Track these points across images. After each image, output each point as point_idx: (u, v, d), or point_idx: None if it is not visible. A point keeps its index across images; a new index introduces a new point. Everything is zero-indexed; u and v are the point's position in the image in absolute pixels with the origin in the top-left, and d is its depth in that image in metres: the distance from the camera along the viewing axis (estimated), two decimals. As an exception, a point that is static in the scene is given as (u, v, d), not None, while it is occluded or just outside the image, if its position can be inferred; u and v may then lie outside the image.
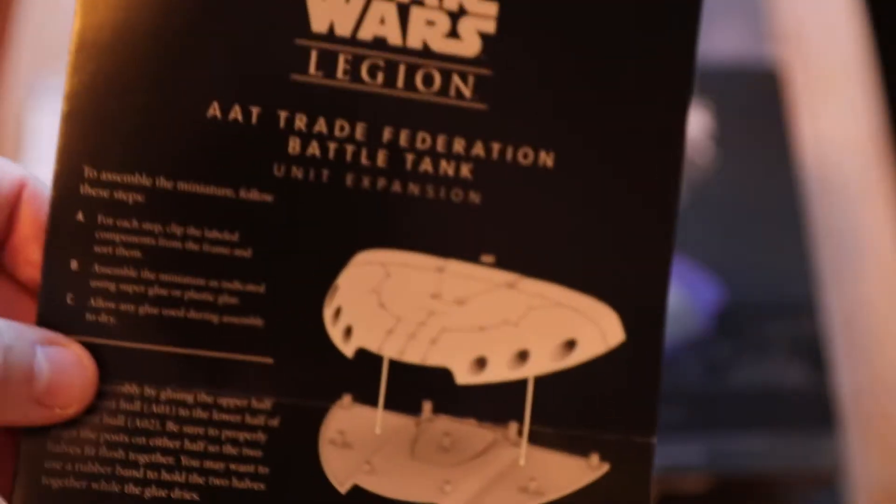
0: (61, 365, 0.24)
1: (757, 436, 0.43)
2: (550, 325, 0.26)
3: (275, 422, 0.26)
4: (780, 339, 0.45)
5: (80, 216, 0.25)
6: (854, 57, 0.58)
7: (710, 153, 0.49)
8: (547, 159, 0.26)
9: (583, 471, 0.26)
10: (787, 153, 0.49)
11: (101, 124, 0.25)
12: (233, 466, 0.26)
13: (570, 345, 0.26)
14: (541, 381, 0.26)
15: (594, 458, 0.26)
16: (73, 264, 0.25)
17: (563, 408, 0.26)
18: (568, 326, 0.26)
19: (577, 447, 0.26)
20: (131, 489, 0.25)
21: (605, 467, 0.26)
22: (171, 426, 0.25)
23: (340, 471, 0.26)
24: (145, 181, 0.25)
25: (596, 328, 0.27)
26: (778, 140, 0.49)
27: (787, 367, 0.44)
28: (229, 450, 0.26)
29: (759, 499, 0.46)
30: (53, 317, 0.25)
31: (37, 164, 0.56)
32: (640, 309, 0.27)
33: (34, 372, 0.23)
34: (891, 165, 0.56)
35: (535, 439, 0.26)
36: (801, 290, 0.46)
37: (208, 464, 0.25)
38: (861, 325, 0.51)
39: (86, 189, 0.25)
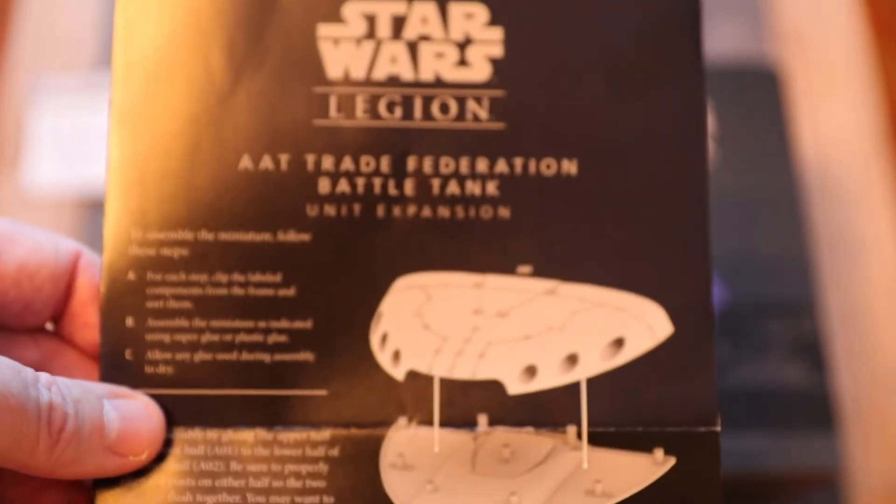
0: (130, 414, 0.28)
1: (757, 436, 0.46)
2: (596, 327, 0.30)
3: (335, 451, 0.29)
4: (780, 339, 0.47)
5: (130, 275, 0.30)
6: (854, 57, 0.61)
7: (710, 153, 0.52)
8: (570, 167, 0.30)
9: (649, 467, 0.29)
10: (787, 153, 0.52)
11: (144, 189, 0.30)
12: (298, 499, 0.29)
13: (619, 343, 0.30)
14: (593, 382, 0.30)
15: (659, 454, 0.29)
16: (129, 321, 0.30)
17: (620, 406, 0.29)
18: (614, 325, 0.30)
19: (640, 444, 0.29)
20: None
21: (672, 461, 0.29)
22: (235, 466, 0.29)
23: (404, 493, 0.29)
24: (188, 236, 0.30)
25: (642, 324, 0.30)
26: (778, 140, 0.52)
27: (787, 367, 0.47)
28: (293, 483, 0.29)
29: (759, 499, 0.48)
30: (115, 373, 0.30)
31: (36, 164, 0.60)
32: (685, 299, 0.30)
33: (104, 422, 0.28)
34: (891, 165, 0.59)
35: (595, 441, 0.29)
36: (801, 290, 0.49)
37: (274, 499, 0.29)
38: (861, 325, 0.54)
39: (134, 249, 0.30)
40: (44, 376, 0.26)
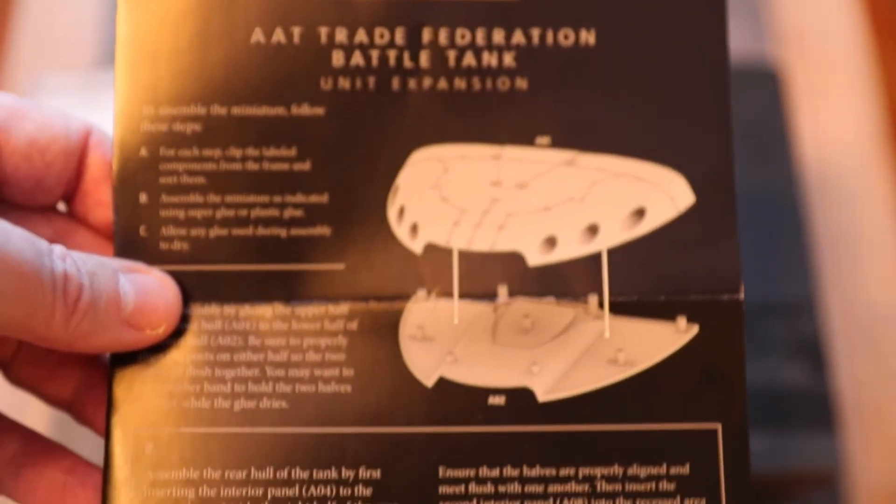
0: (145, 288, 0.28)
1: (757, 436, 0.46)
2: (616, 196, 0.30)
3: (353, 325, 0.29)
4: (780, 339, 0.48)
5: (143, 151, 0.30)
6: (854, 57, 0.62)
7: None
8: (588, 37, 0.30)
9: (671, 336, 0.29)
10: (787, 153, 0.52)
11: (155, 64, 0.30)
12: (317, 372, 0.29)
13: (640, 213, 0.30)
14: (614, 252, 0.30)
15: (682, 322, 0.29)
16: (143, 198, 0.30)
17: (642, 275, 0.29)
18: (634, 195, 0.30)
19: (662, 313, 0.29)
20: (220, 403, 0.29)
21: (695, 329, 0.29)
22: (253, 340, 0.29)
23: (424, 365, 0.29)
24: (200, 111, 0.30)
25: (664, 193, 0.30)
26: (778, 140, 0.52)
27: (787, 367, 0.47)
28: (312, 357, 0.29)
29: (759, 499, 0.48)
30: (130, 250, 0.30)
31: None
32: (707, 168, 0.30)
33: (120, 295, 0.28)
34: (891, 165, 0.60)
35: (617, 310, 0.29)
36: (801, 290, 0.49)
37: (293, 372, 0.29)
38: (861, 325, 0.55)
39: (146, 125, 0.30)
40: (57, 248, 0.26)
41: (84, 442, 0.31)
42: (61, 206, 0.31)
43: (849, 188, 0.58)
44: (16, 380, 0.31)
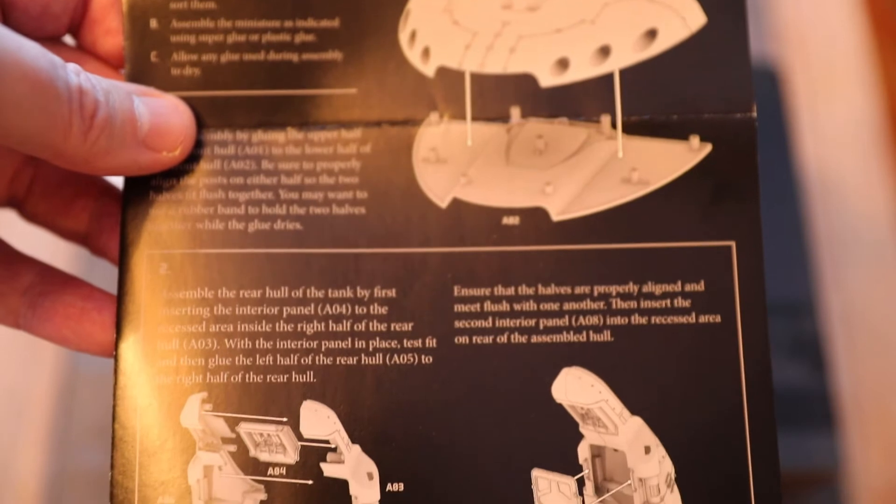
0: (160, 110, 0.28)
1: None
2: (628, 18, 0.30)
3: (367, 148, 0.29)
4: (780, 339, 0.48)
5: None
6: (854, 57, 0.62)
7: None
8: None
9: (684, 154, 0.29)
10: (787, 153, 0.52)
11: None
12: (331, 195, 0.29)
13: (652, 34, 0.30)
14: (627, 72, 0.30)
15: (695, 141, 0.29)
16: (153, 23, 0.30)
17: (655, 95, 0.29)
18: (646, 16, 0.30)
19: (675, 132, 0.29)
20: (234, 225, 0.29)
21: (708, 148, 0.29)
22: (267, 164, 0.29)
23: (438, 186, 0.29)
24: None
25: (675, 14, 0.30)
26: (778, 140, 0.53)
27: (787, 367, 0.48)
28: (326, 180, 0.29)
29: None
30: (141, 76, 0.30)
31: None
32: None
33: (136, 115, 0.28)
34: (891, 165, 0.60)
35: (630, 130, 0.29)
36: (801, 290, 0.50)
37: (307, 195, 0.29)
38: (861, 325, 0.55)
39: None
40: (71, 64, 0.26)
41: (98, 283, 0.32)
42: (69, 41, 0.31)
43: (849, 188, 0.59)
44: (31, 216, 0.31)
